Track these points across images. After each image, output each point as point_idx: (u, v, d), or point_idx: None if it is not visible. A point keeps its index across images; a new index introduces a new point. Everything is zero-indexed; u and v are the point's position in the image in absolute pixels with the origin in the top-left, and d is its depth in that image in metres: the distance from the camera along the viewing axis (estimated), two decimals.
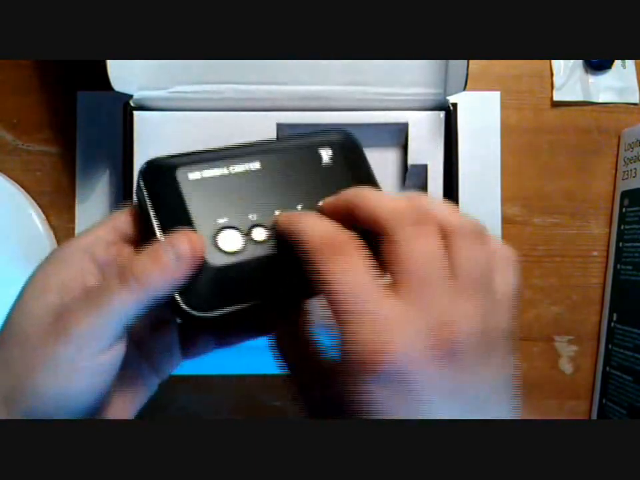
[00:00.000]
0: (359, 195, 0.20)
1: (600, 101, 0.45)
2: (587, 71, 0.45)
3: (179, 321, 0.21)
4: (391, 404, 0.16)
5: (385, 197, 0.19)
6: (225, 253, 0.20)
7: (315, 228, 0.19)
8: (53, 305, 0.19)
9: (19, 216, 0.41)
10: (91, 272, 0.21)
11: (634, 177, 0.42)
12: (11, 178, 0.42)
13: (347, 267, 0.17)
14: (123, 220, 0.22)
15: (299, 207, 0.21)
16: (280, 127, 0.37)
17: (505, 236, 0.45)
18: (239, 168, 0.21)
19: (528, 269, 0.45)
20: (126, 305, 0.18)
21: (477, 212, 0.43)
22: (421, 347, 0.16)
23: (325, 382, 0.20)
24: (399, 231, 0.18)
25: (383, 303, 0.17)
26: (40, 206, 0.42)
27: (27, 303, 0.20)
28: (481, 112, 0.45)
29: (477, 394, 0.17)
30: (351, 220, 0.19)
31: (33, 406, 0.19)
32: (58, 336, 0.18)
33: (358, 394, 0.16)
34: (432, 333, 0.16)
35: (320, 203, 0.21)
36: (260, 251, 0.20)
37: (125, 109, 0.37)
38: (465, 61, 0.34)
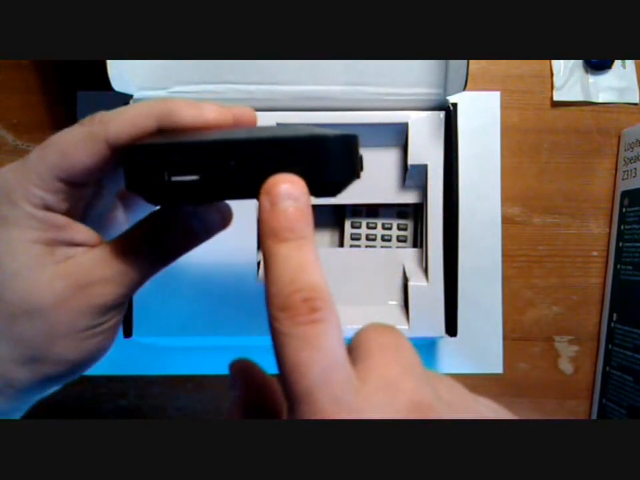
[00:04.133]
0: None
1: (600, 101, 0.45)
2: (587, 71, 0.45)
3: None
4: None
5: None
6: None
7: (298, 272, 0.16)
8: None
9: None
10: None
11: (634, 176, 0.42)
12: None
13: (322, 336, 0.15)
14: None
15: None
16: (280, 127, 0.37)
17: (505, 236, 0.45)
18: None
19: (528, 268, 0.45)
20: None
21: (477, 212, 0.44)
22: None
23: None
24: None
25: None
26: None
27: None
28: (481, 112, 0.45)
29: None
30: None
31: (55, 370, 0.21)
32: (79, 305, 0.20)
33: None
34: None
35: None
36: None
37: None
38: (465, 61, 0.34)
